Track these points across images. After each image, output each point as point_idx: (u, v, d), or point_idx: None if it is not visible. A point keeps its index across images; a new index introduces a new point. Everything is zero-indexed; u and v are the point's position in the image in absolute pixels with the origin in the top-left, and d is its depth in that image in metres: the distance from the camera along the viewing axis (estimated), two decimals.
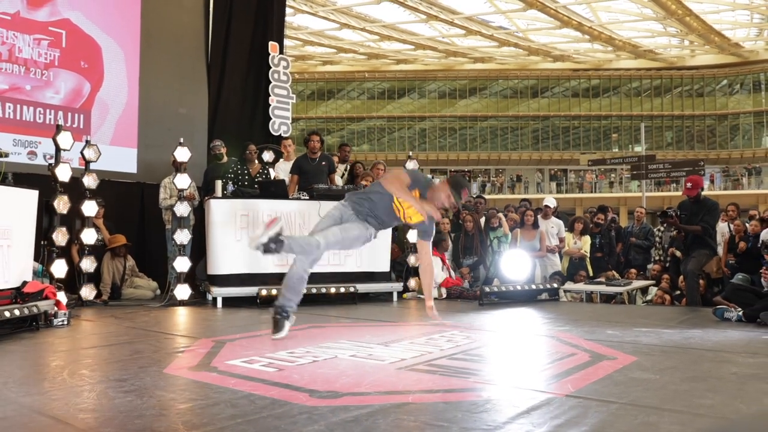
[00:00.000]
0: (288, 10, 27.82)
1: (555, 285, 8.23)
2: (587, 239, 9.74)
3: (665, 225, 9.06)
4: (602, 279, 8.95)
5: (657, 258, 10.16)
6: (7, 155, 5.44)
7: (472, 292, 8.02)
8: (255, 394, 3.13)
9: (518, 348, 4.82)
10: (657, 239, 10.29)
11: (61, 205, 6.68)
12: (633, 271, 9.74)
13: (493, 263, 8.84)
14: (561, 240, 9.49)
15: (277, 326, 4.87)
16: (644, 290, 9.31)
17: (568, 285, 8.88)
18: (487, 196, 34.83)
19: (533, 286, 7.93)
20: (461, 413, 2.83)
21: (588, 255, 9.71)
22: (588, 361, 3.97)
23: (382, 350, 4.35)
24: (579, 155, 40.73)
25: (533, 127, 42.88)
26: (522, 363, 4.19)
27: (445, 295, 8.20)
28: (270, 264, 7.35)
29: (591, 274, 9.50)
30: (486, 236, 9.21)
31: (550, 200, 9.82)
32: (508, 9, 30.53)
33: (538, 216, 9.53)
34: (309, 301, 7.24)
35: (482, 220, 9.57)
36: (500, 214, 9.58)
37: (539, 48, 37.35)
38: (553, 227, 9.51)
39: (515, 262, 8.04)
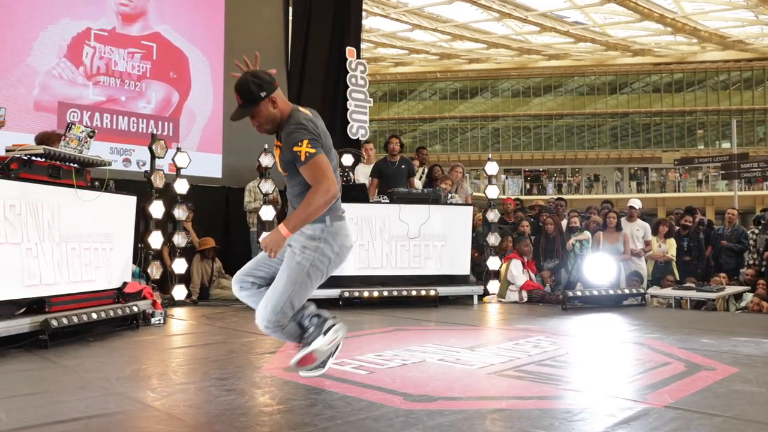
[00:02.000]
0: None
1: (641, 290, 8.00)
2: (672, 242, 9.42)
3: (761, 227, 8.71)
4: (691, 284, 8.61)
5: (751, 262, 9.70)
6: (109, 164, 5.77)
7: (554, 296, 7.97)
8: (350, 396, 3.27)
9: (607, 355, 4.77)
10: (751, 242, 9.83)
11: (157, 209, 7.06)
12: (723, 275, 9.24)
13: (575, 267, 8.71)
14: (647, 243, 9.19)
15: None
16: (737, 296, 8.93)
17: (654, 290, 8.62)
18: (564, 197, 34.28)
19: (618, 291, 7.78)
20: (557, 421, 2.87)
21: (674, 259, 9.40)
22: (684, 371, 3.90)
23: (469, 355, 4.43)
24: (661, 153, 39.52)
25: (611, 124, 41.74)
26: (613, 371, 4.15)
27: (526, 299, 8.16)
28: (351, 267, 7.54)
29: (677, 278, 9.20)
30: (567, 239, 9.12)
31: (635, 202, 9.42)
32: (585, 4, 29.90)
33: (622, 218, 9.28)
34: (391, 303, 7.42)
35: (563, 222, 9.49)
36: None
37: (618, 43, 36.37)
38: (638, 230, 9.18)
39: (599, 266, 7.92)
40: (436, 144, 43.33)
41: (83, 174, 5.53)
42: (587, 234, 9.04)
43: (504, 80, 43.02)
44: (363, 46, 35.63)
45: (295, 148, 3.20)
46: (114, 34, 8.70)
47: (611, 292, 7.65)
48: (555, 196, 31.73)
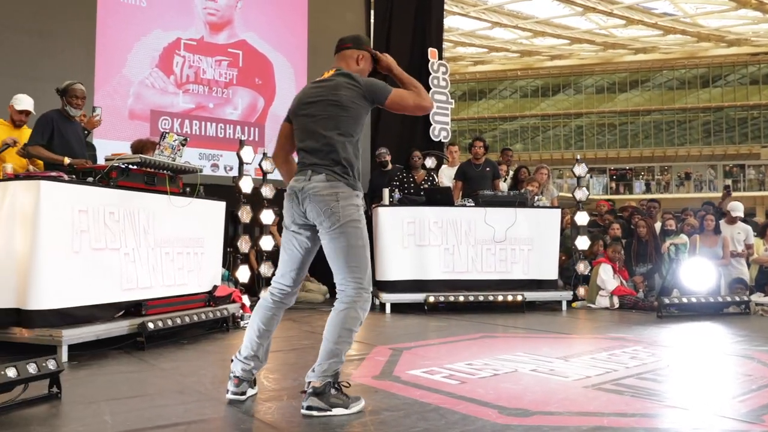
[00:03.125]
0: None
1: (744, 297, 7.60)
2: None
3: None
4: None
5: None
6: (200, 170, 5.93)
7: (648, 303, 7.68)
8: (443, 408, 3.23)
9: (712, 369, 4.53)
10: None
11: (245, 214, 7.23)
12: None
13: (670, 272, 8.28)
14: (749, 247, 8.72)
15: None
16: None
17: (758, 297, 8.03)
18: (652, 196, 33.24)
19: (718, 298, 7.44)
20: None
21: None
22: None
23: (563, 365, 4.32)
24: (759, 149, 37.67)
25: (703, 119, 40.02)
26: (720, 387, 3.94)
27: (617, 305, 7.89)
28: (436, 271, 7.52)
29: None
30: (661, 242, 8.75)
31: (735, 206, 9.01)
32: None
33: (721, 221, 8.85)
34: (476, 308, 7.35)
35: (657, 225, 9.14)
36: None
37: (710, 33, 34.86)
38: (739, 233, 8.73)
39: (697, 271, 7.60)
40: (516, 143, 42.80)
41: (176, 181, 5.70)
42: (684, 237, 8.60)
43: (587, 76, 42.06)
44: (443, 45, 35.58)
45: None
46: (202, 43, 8.96)
47: (711, 299, 7.32)
48: (644, 197, 30.95)
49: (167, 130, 6.40)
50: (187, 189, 5.89)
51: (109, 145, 7.38)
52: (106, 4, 8.08)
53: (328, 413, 3.11)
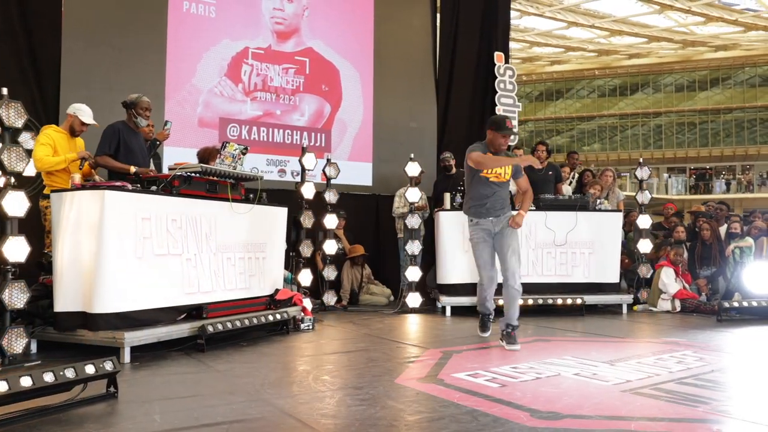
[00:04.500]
0: (515, 14, 27.96)
1: None
2: None
3: None
4: None
5: None
6: (261, 178, 6.12)
7: (710, 307, 7.56)
8: (478, 410, 3.31)
9: (758, 375, 4.48)
10: None
11: (306, 219, 7.42)
12: None
13: (734, 275, 8.18)
14: None
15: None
16: None
17: None
18: (733, 196, 32.03)
19: None
20: None
21: None
22: None
23: (607, 369, 4.33)
24: None
25: None
26: (759, 393, 3.92)
27: (679, 308, 7.81)
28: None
29: None
30: (726, 245, 8.54)
31: None
32: None
33: None
34: (535, 312, 7.34)
35: (722, 228, 8.93)
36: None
37: None
38: None
39: (761, 275, 7.45)
40: (594, 143, 41.98)
41: (238, 188, 5.92)
42: (749, 240, 8.41)
43: (666, 75, 40.85)
44: (518, 46, 35.30)
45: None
46: (270, 51, 9.20)
47: None
48: (724, 197, 29.99)
49: (228, 140, 6.60)
50: (250, 195, 6.10)
51: (179, 153, 7.69)
52: (176, 15, 8.39)
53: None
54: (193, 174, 5.34)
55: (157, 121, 6.87)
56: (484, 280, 5.66)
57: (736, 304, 7.13)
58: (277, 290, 6.32)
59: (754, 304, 7.08)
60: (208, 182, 5.55)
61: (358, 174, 9.81)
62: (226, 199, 5.68)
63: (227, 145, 5.65)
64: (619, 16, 31.48)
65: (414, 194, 7.98)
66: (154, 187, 5.12)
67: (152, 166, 6.11)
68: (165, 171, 5.71)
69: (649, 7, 29.89)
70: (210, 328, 5.03)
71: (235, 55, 8.86)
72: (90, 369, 3.37)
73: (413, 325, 6.96)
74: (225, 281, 5.60)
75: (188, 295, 5.20)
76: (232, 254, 5.72)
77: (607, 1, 29.26)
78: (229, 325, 5.25)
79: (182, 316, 5.17)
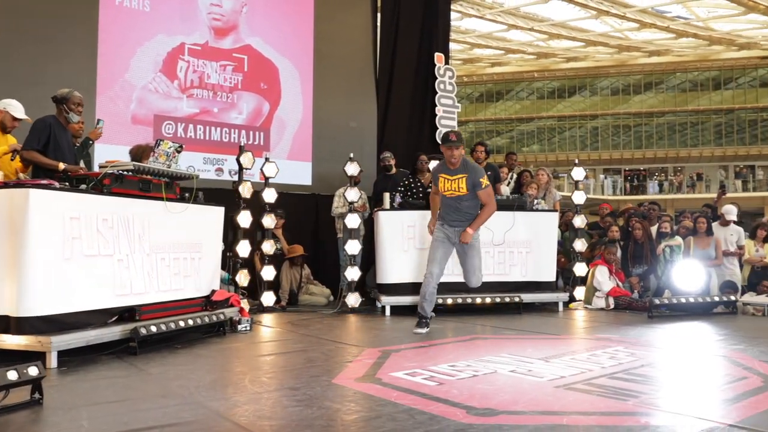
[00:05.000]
0: (455, 15, 28.21)
1: (732, 297, 7.74)
2: None
3: None
4: None
5: None
6: (197, 177, 6.00)
7: (642, 303, 7.76)
8: (415, 409, 3.29)
9: (685, 368, 4.64)
10: None
11: (244, 219, 7.30)
12: None
13: (664, 273, 8.46)
14: (740, 248, 8.89)
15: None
16: None
17: (748, 297, 8.26)
18: (665, 197, 33.07)
19: (708, 299, 7.54)
20: None
21: None
22: (760, 386, 3.78)
23: (542, 366, 4.38)
24: None
25: (715, 121, 39.97)
26: (687, 386, 4.06)
27: (612, 306, 8.00)
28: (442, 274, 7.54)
29: None
30: (657, 244, 8.82)
31: (729, 209, 9.14)
32: None
33: (715, 223, 8.98)
34: (474, 311, 7.40)
35: (654, 228, 9.20)
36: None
37: (722, 37, 34.77)
38: (732, 234, 8.90)
39: (688, 272, 7.71)
40: (533, 144, 42.74)
41: (173, 187, 5.78)
42: (678, 239, 8.74)
43: (603, 78, 41.92)
44: (459, 47, 35.57)
45: (482, 180, 5.87)
46: (207, 48, 9.03)
47: (700, 299, 7.43)
48: (657, 197, 30.96)
49: (162, 138, 6.45)
50: (186, 194, 5.95)
51: (112, 150, 7.45)
52: (109, 8, 8.15)
53: None
54: (125, 172, 5.18)
55: (87, 117, 6.65)
56: (428, 276, 6.02)
57: (666, 301, 7.36)
58: (213, 291, 6.19)
59: (683, 300, 7.32)
60: (142, 181, 5.39)
61: (298, 173, 9.73)
62: (161, 199, 5.53)
63: (161, 142, 5.51)
64: (557, 20, 32.08)
65: (353, 194, 7.94)
66: (83, 186, 4.95)
67: (83, 164, 5.91)
68: (96, 169, 5.54)
69: (586, 12, 30.57)
70: (143, 331, 4.89)
71: (171, 51, 8.67)
72: (12, 375, 3.22)
73: (352, 325, 6.94)
74: (159, 282, 5.45)
75: (120, 297, 5.03)
76: (167, 255, 5.58)
77: (545, 5, 29.74)
78: (163, 327, 5.10)
79: (114, 319, 5.00)
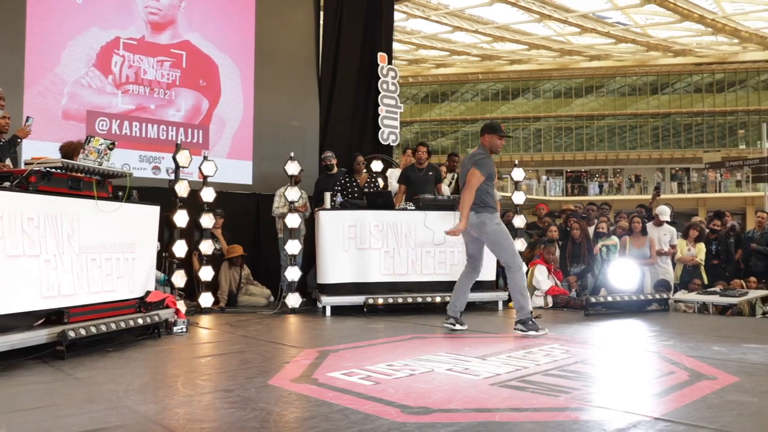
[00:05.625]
0: (401, 15, 28.26)
1: (665, 296, 7.91)
2: (701, 247, 9.33)
3: None
4: (717, 288, 8.51)
5: None
6: (130, 175, 5.83)
7: (579, 302, 7.88)
8: (349, 409, 3.26)
9: (616, 364, 4.72)
10: None
11: (180, 218, 7.12)
12: (753, 279, 9.22)
13: (601, 272, 8.63)
14: (672, 247, 9.14)
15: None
16: (765, 300, 8.79)
17: (680, 294, 8.52)
18: (605, 197, 33.84)
19: (642, 297, 7.70)
20: None
21: (703, 263, 9.30)
22: (686, 380, 3.88)
23: (478, 364, 4.39)
24: (702, 153, 38.87)
25: (653, 124, 41.20)
26: (618, 381, 4.13)
27: (551, 304, 8.10)
28: (377, 273, 7.54)
29: (706, 282, 9.09)
30: (594, 244, 8.99)
31: (662, 210, 9.40)
32: (626, 5, 29.46)
33: (650, 223, 9.20)
34: (415, 310, 7.38)
35: (591, 228, 9.38)
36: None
37: (659, 43, 35.76)
38: (665, 234, 9.14)
39: (623, 271, 7.87)
40: (478, 145, 43.00)
41: (105, 185, 5.60)
42: (614, 239, 8.94)
43: (546, 81, 42.65)
44: (404, 48, 35.67)
45: None
46: (143, 42, 8.80)
47: (634, 297, 7.57)
48: (597, 198, 31.67)
49: (93, 135, 6.24)
50: (120, 193, 5.77)
51: (41, 147, 7.16)
52: None
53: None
54: (53, 170, 4.99)
55: (14, 112, 6.40)
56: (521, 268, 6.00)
57: (602, 299, 7.48)
58: (148, 292, 6.02)
59: (618, 298, 7.46)
60: (71, 179, 5.20)
61: (238, 172, 9.58)
62: (91, 197, 5.35)
63: (92, 139, 5.34)
64: (501, 23, 32.45)
65: (294, 193, 7.85)
66: (7, 183, 4.74)
67: (8, 162, 5.68)
68: (22, 166, 5.33)
69: (530, 16, 31.00)
70: (71, 334, 4.71)
71: (105, 45, 8.42)
72: None
73: (292, 325, 6.85)
74: (89, 284, 5.26)
75: (47, 299, 4.83)
76: (98, 255, 5.39)
77: (490, 7, 30.04)
78: (93, 329, 4.94)
79: (40, 322, 4.81)
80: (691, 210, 31.03)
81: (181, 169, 7.29)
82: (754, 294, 8.56)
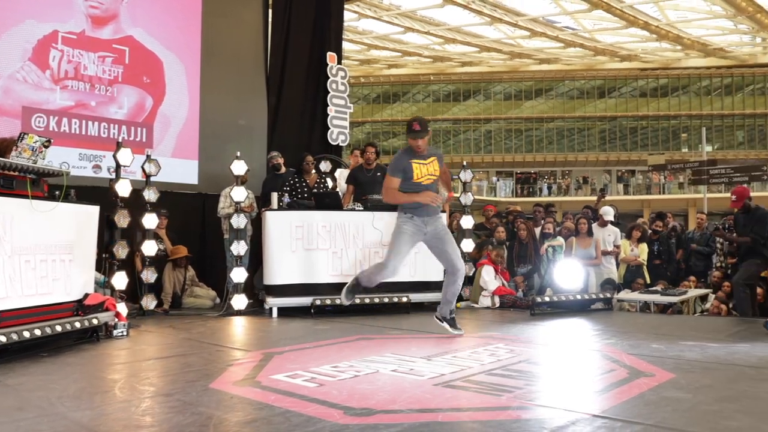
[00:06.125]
0: (352, 15, 28.18)
1: (608, 295, 8.03)
2: (644, 247, 9.55)
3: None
4: (659, 287, 8.71)
5: (719, 265, 9.84)
6: (67, 173, 5.63)
7: (525, 302, 7.93)
8: (292, 411, 3.20)
9: (559, 363, 4.75)
10: (718, 245, 9.91)
11: (121, 219, 6.91)
12: (693, 278, 9.46)
13: (547, 272, 8.71)
14: (616, 247, 9.31)
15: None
16: (704, 298, 9.02)
17: (623, 294, 8.68)
18: (554, 199, 34.33)
19: (586, 296, 7.80)
20: None
21: (645, 263, 9.50)
22: (625, 378, 3.92)
23: (423, 365, 4.36)
24: (647, 156, 39.74)
25: (600, 128, 42.04)
26: (560, 379, 4.16)
27: (498, 304, 8.13)
28: (325, 275, 7.46)
29: (648, 281, 9.28)
30: (540, 245, 9.08)
31: (606, 210, 9.56)
32: (574, 10, 29.94)
33: (594, 224, 9.34)
34: (362, 311, 7.32)
35: (537, 229, 9.48)
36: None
37: (606, 48, 36.52)
38: (609, 235, 9.29)
39: (569, 271, 7.97)
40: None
41: (40, 184, 5.40)
42: (560, 240, 9.07)
43: (496, 83, 43.06)
44: (356, 48, 35.58)
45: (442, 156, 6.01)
46: (83, 37, 8.52)
47: (579, 297, 7.65)
48: (546, 199, 32.15)
49: (27, 132, 6.02)
50: (56, 192, 5.57)
51: None
52: None
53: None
54: None
55: None
56: (385, 267, 5.61)
57: (547, 299, 7.54)
58: (86, 295, 5.82)
59: (563, 298, 7.53)
60: (3, 177, 5.00)
61: (183, 172, 9.38)
62: (25, 196, 5.15)
63: (26, 136, 5.14)
64: (453, 25, 32.63)
65: (239, 193, 7.71)
66: None
67: None
68: None
69: (481, 19, 31.25)
70: (2, 339, 4.52)
71: (42, 39, 8.11)
72: None
73: (238, 327, 6.73)
74: (23, 286, 5.06)
75: None
76: (32, 257, 5.19)
77: (441, 9, 30.17)
78: (26, 334, 4.75)
79: None
80: (636, 211, 31.70)
81: (122, 168, 7.05)
82: (693, 293, 8.76)
